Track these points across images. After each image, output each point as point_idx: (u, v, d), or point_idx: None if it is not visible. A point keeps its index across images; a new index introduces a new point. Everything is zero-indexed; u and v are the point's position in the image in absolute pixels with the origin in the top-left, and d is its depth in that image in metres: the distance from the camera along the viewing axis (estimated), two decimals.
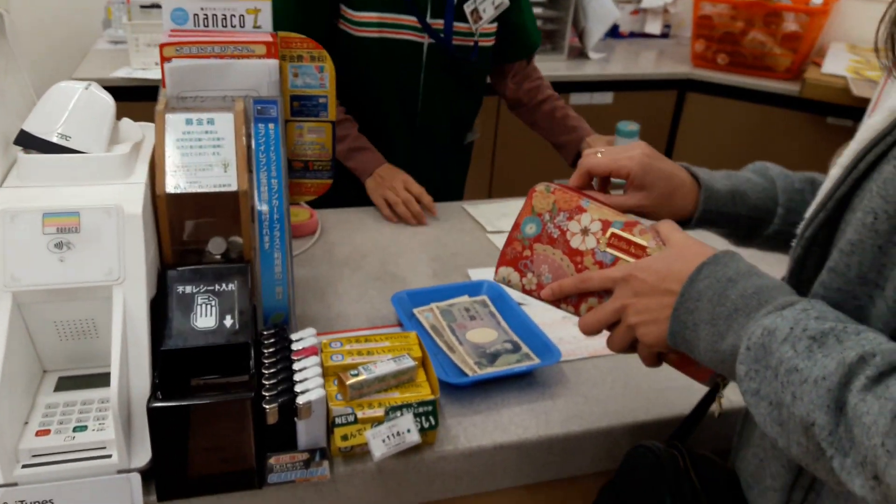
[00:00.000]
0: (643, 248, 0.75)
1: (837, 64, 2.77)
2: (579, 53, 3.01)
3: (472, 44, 1.59)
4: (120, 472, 0.79)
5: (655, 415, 0.99)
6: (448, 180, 1.79)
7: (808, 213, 0.67)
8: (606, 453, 0.98)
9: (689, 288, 0.66)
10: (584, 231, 0.79)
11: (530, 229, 0.83)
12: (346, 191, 1.53)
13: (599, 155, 0.82)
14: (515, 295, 1.23)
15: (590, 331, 0.76)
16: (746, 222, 0.83)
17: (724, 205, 0.82)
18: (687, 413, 0.92)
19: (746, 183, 0.84)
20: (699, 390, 0.94)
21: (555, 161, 1.83)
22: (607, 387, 1.04)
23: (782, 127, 2.84)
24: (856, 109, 2.56)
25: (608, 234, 0.78)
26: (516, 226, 0.84)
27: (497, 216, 1.56)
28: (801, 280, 0.67)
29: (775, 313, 0.59)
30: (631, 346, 0.74)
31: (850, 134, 0.68)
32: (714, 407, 0.81)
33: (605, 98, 2.86)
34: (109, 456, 0.79)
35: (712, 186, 0.82)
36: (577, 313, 0.80)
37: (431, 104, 1.63)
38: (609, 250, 0.77)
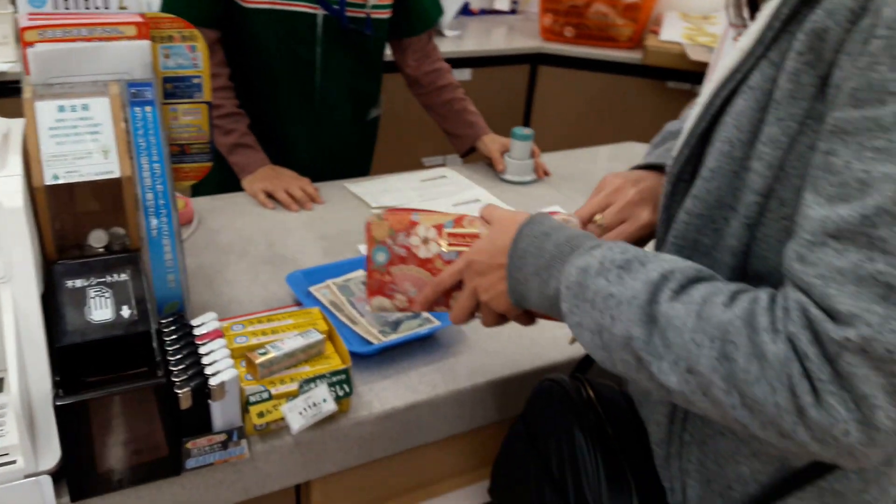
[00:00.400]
0: (476, 235, 0.83)
1: (673, 31, 2.97)
2: (435, 32, 3.05)
3: (364, 16, 1.57)
4: (28, 476, 0.76)
5: (550, 360, 1.06)
6: (352, 157, 1.78)
7: (674, 152, 0.74)
8: (510, 400, 1.04)
9: (514, 251, 0.74)
10: (425, 241, 0.86)
11: (381, 258, 0.90)
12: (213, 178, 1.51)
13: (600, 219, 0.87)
14: None
15: (459, 320, 0.83)
16: None
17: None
18: (583, 352, 0.98)
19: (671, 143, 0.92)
20: None
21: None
22: (505, 340, 1.09)
23: (628, 93, 3.02)
24: (693, 73, 2.76)
25: (444, 235, 0.85)
26: (369, 259, 0.90)
27: (380, 192, 1.58)
28: (670, 215, 0.73)
29: (586, 254, 0.67)
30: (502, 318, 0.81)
31: (688, 96, 0.76)
32: (569, 338, 0.90)
33: (464, 74, 2.93)
34: (14, 462, 0.76)
35: (664, 165, 0.89)
36: (448, 308, 0.87)
37: (330, 79, 1.61)
38: (452, 249, 0.85)
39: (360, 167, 1.83)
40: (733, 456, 0.67)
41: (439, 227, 0.85)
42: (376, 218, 0.88)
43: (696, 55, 2.72)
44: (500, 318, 0.81)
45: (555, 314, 0.71)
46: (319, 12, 1.52)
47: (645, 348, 0.59)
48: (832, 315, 0.50)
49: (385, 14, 1.62)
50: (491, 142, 1.72)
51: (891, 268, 0.49)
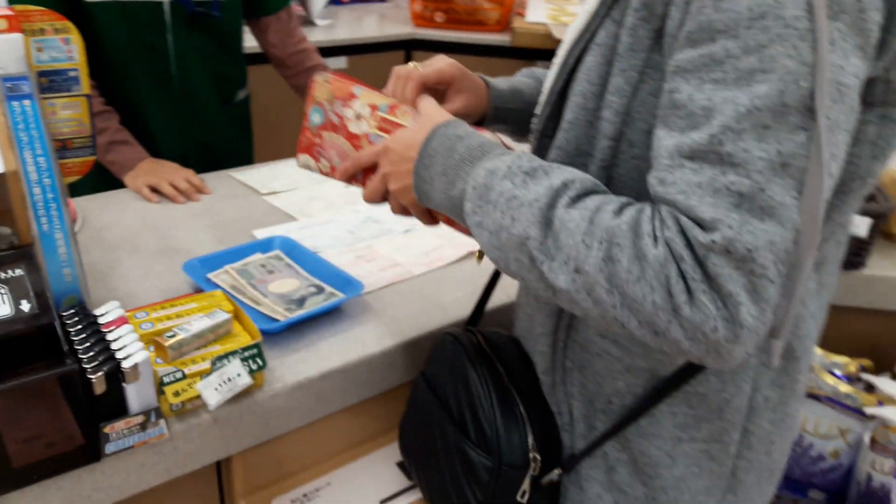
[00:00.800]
0: (402, 127, 0.86)
1: (538, 13, 3.10)
2: (305, 21, 3.05)
3: None
4: None
5: (451, 319, 1.11)
6: (227, 143, 1.76)
7: (537, 110, 0.81)
8: (417, 360, 1.09)
9: (425, 148, 0.77)
10: (358, 116, 0.90)
11: (316, 118, 0.93)
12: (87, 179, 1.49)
13: (415, 66, 0.91)
14: (308, 242, 1.29)
15: (370, 200, 0.87)
16: (526, 117, 0.96)
17: (507, 101, 0.96)
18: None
19: (521, 83, 0.99)
20: (498, 288, 1.08)
21: None
22: (409, 306, 1.14)
23: (500, 74, 3.12)
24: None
25: (377, 117, 0.88)
26: (305, 116, 0.93)
27: (269, 178, 1.58)
28: None
29: (496, 158, 0.71)
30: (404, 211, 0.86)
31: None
32: (476, 255, 0.97)
33: (340, 63, 2.94)
34: None
35: (497, 86, 0.96)
36: (363, 185, 0.91)
37: (186, 66, 1.59)
38: (379, 133, 0.88)
39: (241, 153, 1.82)
40: (610, 373, 0.75)
41: (374, 107, 0.89)
42: (322, 78, 0.91)
43: (560, 34, 2.85)
44: (405, 210, 0.84)
45: (455, 216, 0.75)
46: (165, 0, 1.51)
47: (539, 248, 0.63)
48: (698, 223, 0.57)
49: None
50: None
51: (740, 178, 0.55)
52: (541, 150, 0.79)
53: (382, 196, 0.86)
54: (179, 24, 1.54)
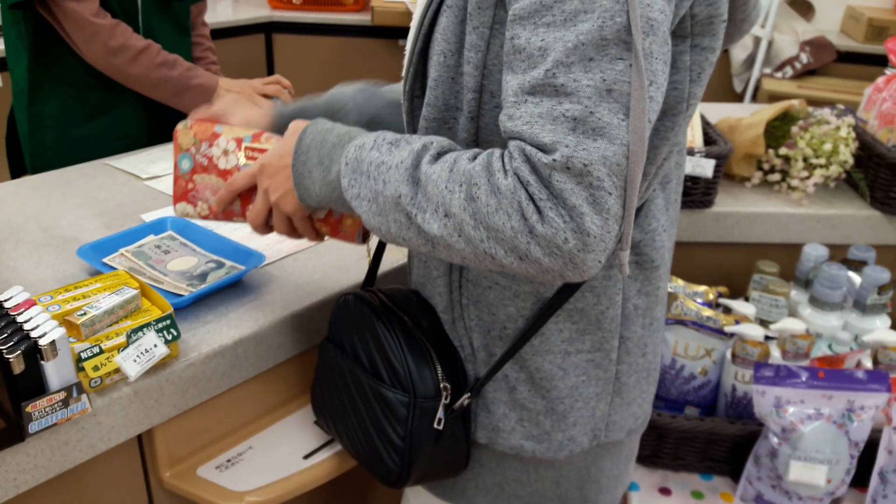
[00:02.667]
0: None
1: None
2: None
3: None
4: None
5: (354, 280, 1.17)
6: (183, 117, 1.76)
7: (403, 72, 0.86)
8: (324, 322, 1.13)
9: (298, 146, 0.82)
10: (225, 152, 0.92)
11: (185, 165, 0.94)
12: None
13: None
14: (199, 222, 1.30)
15: (256, 224, 0.89)
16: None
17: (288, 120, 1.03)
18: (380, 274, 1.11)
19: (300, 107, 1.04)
20: (395, 248, 1.13)
21: None
22: (310, 273, 1.18)
23: (364, 53, 3.17)
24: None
25: (243, 148, 0.91)
26: (175, 165, 0.95)
27: (146, 163, 1.56)
28: (412, 128, 0.86)
29: (362, 136, 0.78)
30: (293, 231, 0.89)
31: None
32: (364, 253, 1.04)
33: None
34: None
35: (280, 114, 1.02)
36: (245, 217, 0.93)
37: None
38: (248, 162, 0.91)
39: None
40: (501, 301, 0.83)
41: (239, 141, 0.91)
42: (183, 126, 0.93)
43: None
44: (290, 225, 0.88)
45: (335, 199, 0.80)
46: None
47: (411, 203, 0.70)
48: (541, 147, 0.64)
49: None
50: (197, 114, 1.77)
51: (573, 104, 0.63)
52: (412, 111, 0.84)
53: (266, 215, 0.88)
54: (150, 4, 1.61)
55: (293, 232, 0.90)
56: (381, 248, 1.05)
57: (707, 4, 0.72)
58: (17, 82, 1.62)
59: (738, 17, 0.82)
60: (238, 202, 0.93)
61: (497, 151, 0.68)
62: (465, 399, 0.86)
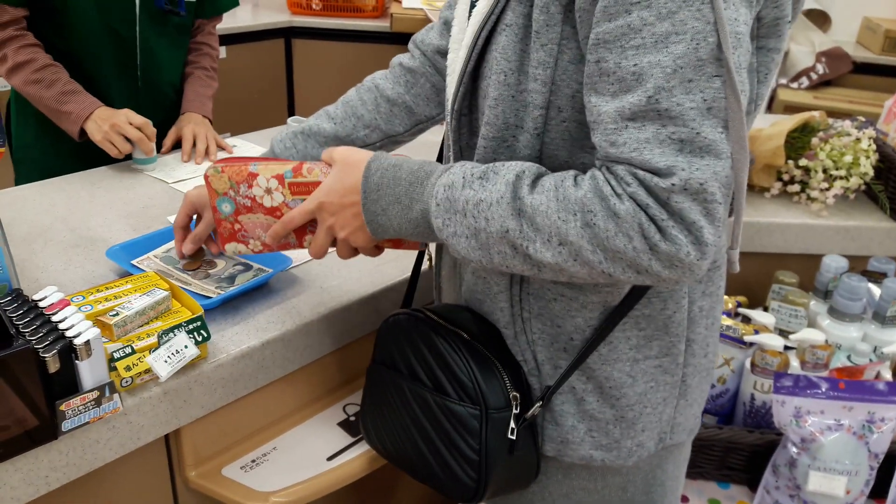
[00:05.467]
0: (318, 183, 0.89)
1: None
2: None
3: None
4: None
5: (379, 286, 1.18)
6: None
7: (448, 93, 0.87)
8: (350, 326, 1.15)
9: (366, 185, 0.82)
10: (268, 191, 0.92)
11: (227, 208, 0.95)
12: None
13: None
14: None
15: (318, 255, 0.92)
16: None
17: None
18: (402, 276, 1.12)
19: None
20: (406, 257, 1.17)
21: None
22: (336, 276, 1.20)
23: (381, 61, 3.18)
24: None
25: (287, 185, 0.90)
26: (214, 209, 0.96)
27: (171, 168, 1.58)
28: (461, 146, 0.87)
29: (445, 174, 0.78)
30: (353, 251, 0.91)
31: None
32: (426, 262, 1.05)
33: (220, 53, 2.91)
34: None
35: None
36: (301, 246, 0.94)
37: (151, 57, 1.65)
38: (296, 197, 0.91)
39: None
40: (568, 313, 0.83)
41: (280, 178, 0.90)
42: (213, 171, 0.93)
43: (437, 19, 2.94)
44: (354, 251, 0.90)
45: (419, 234, 0.81)
46: None
47: (520, 236, 0.72)
48: (654, 172, 0.66)
49: None
50: (187, 121, 1.71)
51: (679, 128, 0.65)
52: (461, 129, 0.85)
53: (328, 247, 0.91)
54: (148, 18, 1.62)
55: (355, 254, 0.91)
56: (417, 269, 1.05)
57: (774, 7, 0.74)
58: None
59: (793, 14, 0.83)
60: (292, 234, 0.93)
61: (598, 175, 0.70)
62: (536, 408, 0.85)
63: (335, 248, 0.91)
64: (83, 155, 1.62)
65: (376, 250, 0.91)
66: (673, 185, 0.65)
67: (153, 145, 1.56)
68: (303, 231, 0.93)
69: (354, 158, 0.85)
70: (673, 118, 0.66)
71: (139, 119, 1.54)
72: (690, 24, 0.65)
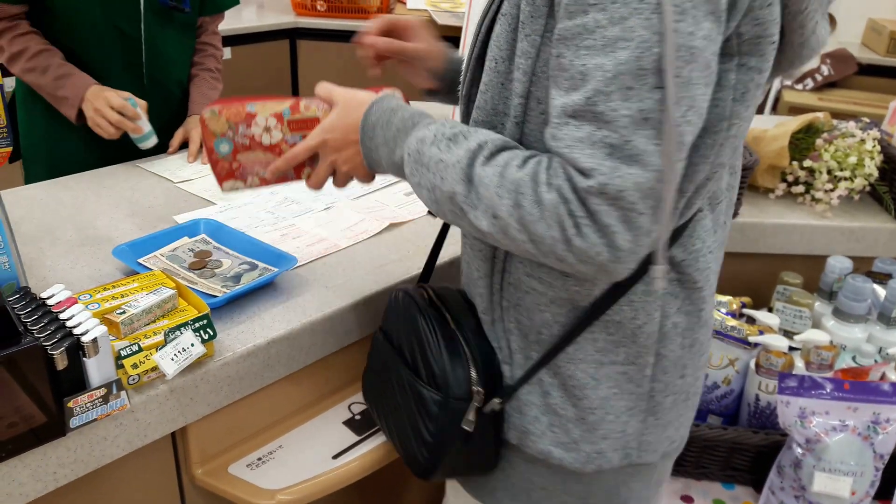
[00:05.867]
0: (317, 118, 0.95)
1: (418, 0, 3.18)
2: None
3: None
4: None
5: (383, 285, 1.19)
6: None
7: (461, 77, 0.90)
8: (354, 325, 1.15)
9: (364, 123, 0.89)
10: (267, 129, 0.96)
11: (224, 148, 0.97)
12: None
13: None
14: (230, 224, 1.32)
15: (317, 187, 0.98)
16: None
17: (458, 66, 1.07)
18: (407, 275, 1.13)
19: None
20: (414, 256, 1.16)
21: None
22: (341, 276, 1.20)
23: (386, 61, 3.19)
24: (443, 38, 2.98)
25: (285, 122, 0.95)
26: (210, 150, 0.98)
27: (177, 167, 1.59)
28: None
29: (424, 128, 0.82)
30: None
31: None
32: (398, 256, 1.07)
33: (225, 54, 2.91)
34: None
35: (453, 55, 1.08)
36: (299, 179, 0.99)
37: (156, 54, 1.66)
38: (295, 134, 0.96)
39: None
40: (537, 307, 0.85)
41: (278, 116, 0.95)
42: (210, 113, 0.95)
43: (443, 20, 2.95)
44: (349, 180, 0.97)
45: (401, 176, 0.87)
46: None
47: (465, 201, 0.76)
48: (580, 171, 0.68)
49: None
50: (194, 123, 1.72)
51: (611, 133, 0.66)
52: (468, 114, 0.87)
53: (326, 180, 0.97)
54: (153, 16, 1.62)
55: (348, 182, 0.98)
56: (438, 244, 1.08)
57: (755, 24, 0.72)
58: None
59: (796, 40, 0.79)
60: (291, 169, 0.98)
61: (544, 161, 0.72)
62: (495, 402, 0.88)
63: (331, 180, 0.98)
64: (92, 147, 1.63)
65: (371, 178, 0.96)
66: (590, 186, 0.67)
67: (137, 124, 1.54)
68: (301, 166, 0.97)
69: (358, 99, 0.91)
70: (607, 122, 0.67)
71: (118, 101, 1.52)
72: (638, 33, 0.65)
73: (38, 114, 1.65)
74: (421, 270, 1.11)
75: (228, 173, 0.99)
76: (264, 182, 0.99)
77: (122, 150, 1.62)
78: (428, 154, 0.80)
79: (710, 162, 0.77)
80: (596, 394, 0.85)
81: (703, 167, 0.77)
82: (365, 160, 0.90)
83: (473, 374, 0.88)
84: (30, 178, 1.70)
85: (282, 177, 0.98)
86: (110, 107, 1.51)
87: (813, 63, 3.19)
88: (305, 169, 0.97)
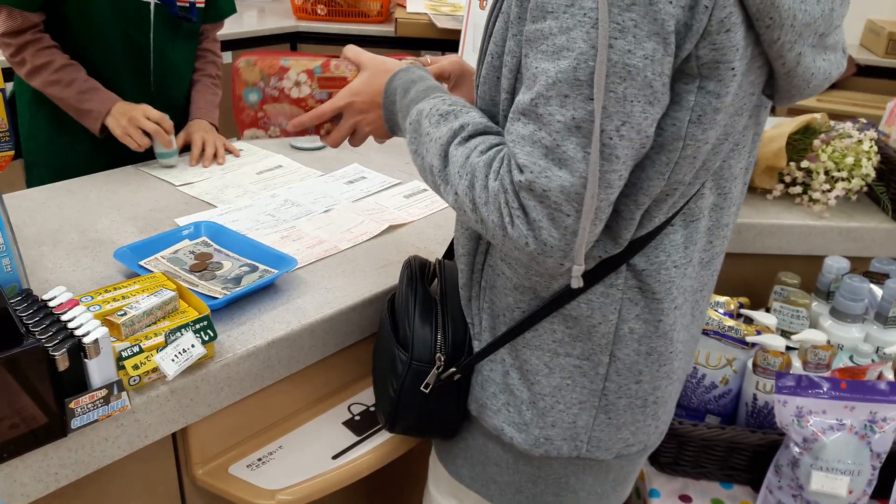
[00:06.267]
0: (345, 78, 1.02)
1: (417, 4, 3.19)
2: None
3: (188, 4, 1.68)
4: None
5: (383, 286, 1.19)
6: None
7: (476, 70, 0.92)
8: (355, 327, 1.16)
9: (387, 88, 0.96)
10: (297, 84, 1.03)
11: (253, 97, 1.04)
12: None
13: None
14: (230, 227, 1.33)
15: (335, 144, 1.07)
16: None
17: None
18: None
19: None
20: (421, 255, 1.15)
21: None
22: (340, 277, 1.21)
23: None
24: (443, 41, 3.00)
25: (315, 79, 1.02)
26: (238, 98, 1.04)
27: (178, 171, 1.60)
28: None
29: (426, 101, 0.89)
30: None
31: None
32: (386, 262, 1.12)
33: (226, 58, 2.92)
34: None
35: None
36: (318, 134, 1.07)
37: (163, 62, 1.69)
38: (322, 91, 1.03)
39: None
40: (504, 290, 0.88)
41: (310, 72, 1.02)
42: (245, 63, 1.01)
43: (442, 24, 2.96)
44: (365, 139, 1.06)
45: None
46: (152, 1, 1.62)
47: (439, 174, 0.82)
48: (517, 166, 0.72)
49: (201, 3, 1.74)
50: (197, 125, 1.74)
51: (546, 135, 0.70)
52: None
53: (345, 139, 1.06)
54: (162, 24, 1.66)
55: (363, 140, 1.07)
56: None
57: (712, 48, 0.70)
58: (18, 79, 1.66)
59: (780, 70, 0.77)
60: None
61: (503, 151, 0.76)
62: (452, 372, 0.93)
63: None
64: (99, 153, 1.66)
65: (388, 138, 1.04)
66: (521, 182, 0.71)
67: (171, 138, 1.60)
68: (321, 124, 1.06)
69: (385, 66, 0.99)
70: (545, 125, 0.70)
71: (156, 113, 1.58)
72: (578, 45, 0.68)
73: (42, 119, 1.67)
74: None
75: (252, 122, 1.05)
76: (284, 133, 1.06)
77: (129, 158, 1.64)
78: (422, 126, 0.86)
79: (665, 178, 0.77)
80: (548, 381, 0.88)
81: (658, 182, 0.77)
82: (386, 123, 0.98)
83: (440, 341, 0.93)
84: (32, 183, 1.71)
85: (302, 130, 1.06)
86: (147, 117, 1.56)
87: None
88: (326, 125, 1.05)
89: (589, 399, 0.89)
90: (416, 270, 1.02)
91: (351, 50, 1.02)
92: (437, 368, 0.92)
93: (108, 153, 1.64)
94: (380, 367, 1.03)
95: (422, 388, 0.93)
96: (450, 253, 1.11)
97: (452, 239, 1.11)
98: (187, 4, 1.69)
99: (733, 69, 0.73)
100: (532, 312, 0.87)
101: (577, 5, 0.68)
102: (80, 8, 1.55)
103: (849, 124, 1.65)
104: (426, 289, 0.99)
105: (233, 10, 1.87)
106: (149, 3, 1.62)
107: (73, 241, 1.29)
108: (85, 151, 1.67)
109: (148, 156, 1.65)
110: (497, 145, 0.78)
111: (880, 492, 1.26)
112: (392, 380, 0.96)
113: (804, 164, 1.58)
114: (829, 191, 1.57)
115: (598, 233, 0.75)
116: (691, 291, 0.89)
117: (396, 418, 0.97)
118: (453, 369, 0.92)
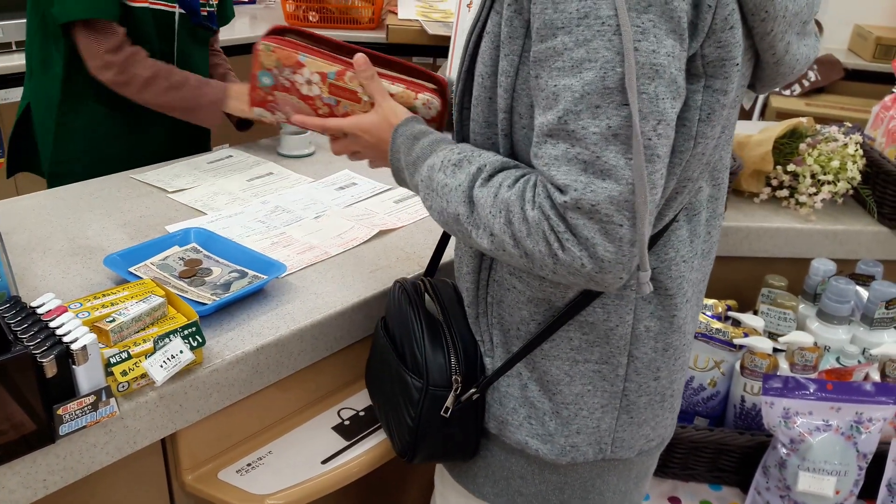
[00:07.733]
0: (355, 92, 1.03)
1: (408, 10, 3.20)
2: None
3: (206, 13, 1.71)
4: None
5: (373, 291, 1.20)
6: (197, 139, 1.85)
7: (454, 87, 0.92)
8: (344, 332, 1.17)
9: (393, 145, 0.96)
10: (308, 82, 1.04)
11: (266, 80, 1.06)
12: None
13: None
14: (221, 233, 1.34)
15: (338, 154, 1.08)
16: None
17: None
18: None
19: None
20: (403, 263, 1.16)
21: None
22: (330, 282, 1.22)
23: None
24: (433, 47, 3.01)
25: (327, 84, 1.03)
26: (253, 77, 1.06)
27: (171, 177, 1.61)
28: (462, 136, 0.92)
29: (434, 155, 0.88)
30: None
31: (433, 70, 1.02)
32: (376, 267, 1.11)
33: None
34: None
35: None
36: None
37: (184, 69, 1.69)
38: (331, 96, 1.04)
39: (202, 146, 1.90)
40: (517, 304, 0.88)
41: (323, 75, 1.03)
42: (265, 48, 1.02)
43: (433, 30, 2.98)
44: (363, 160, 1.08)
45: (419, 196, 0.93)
46: (176, 10, 1.67)
47: (468, 221, 0.81)
48: (557, 187, 0.72)
49: (213, 10, 1.79)
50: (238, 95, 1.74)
51: (583, 150, 0.70)
52: (462, 121, 0.91)
53: (347, 153, 1.07)
54: (185, 34, 1.71)
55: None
56: (443, 240, 1.12)
57: (717, 46, 0.73)
58: (46, 91, 1.66)
59: (770, 59, 0.81)
60: None
61: (532, 179, 0.75)
62: (472, 393, 0.92)
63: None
64: (136, 152, 1.70)
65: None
66: (566, 202, 0.71)
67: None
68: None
69: (393, 120, 0.98)
70: (579, 140, 0.70)
71: None
72: (602, 54, 0.68)
73: (77, 134, 1.67)
74: (412, 276, 1.13)
75: (261, 101, 1.08)
76: (289, 122, 1.09)
77: (164, 156, 1.69)
78: (436, 180, 0.85)
79: (676, 176, 0.80)
80: (570, 390, 0.89)
81: (671, 182, 0.80)
82: (394, 176, 0.97)
83: (454, 364, 0.92)
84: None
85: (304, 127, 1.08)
86: None
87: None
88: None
89: (610, 401, 0.90)
90: (412, 292, 1.00)
91: (365, 72, 0.99)
92: (455, 391, 0.92)
93: (137, 163, 1.68)
94: (389, 397, 1.00)
95: (441, 413, 0.92)
96: (431, 270, 1.12)
97: (431, 257, 1.12)
98: (206, 13, 1.73)
99: (737, 65, 0.76)
100: (548, 323, 0.87)
101: (591, 16, 0.68)
102: (126, 18, 1.57)
103: (834, 128, 1.67)
104: (427, 310, 0.98)
105: (233, 16, 1.92)
106: (174, 13, 1.66)
107: (63, 248, 1.29)
108: (116, 163, 1.68)
109: (149, 160, 1.69)
110: (523, 176, 0.77)
111: (867, 492, 1.27)
112: (408, 408, 0.94)
113: (791, 167, 1.59)
114: (815, 194, 1.58)
115: (648, 236, 0.74)
116: (696, 283, 0.92)
117: (417, 447, 0.95)
118: (473, 390, 0.92)
